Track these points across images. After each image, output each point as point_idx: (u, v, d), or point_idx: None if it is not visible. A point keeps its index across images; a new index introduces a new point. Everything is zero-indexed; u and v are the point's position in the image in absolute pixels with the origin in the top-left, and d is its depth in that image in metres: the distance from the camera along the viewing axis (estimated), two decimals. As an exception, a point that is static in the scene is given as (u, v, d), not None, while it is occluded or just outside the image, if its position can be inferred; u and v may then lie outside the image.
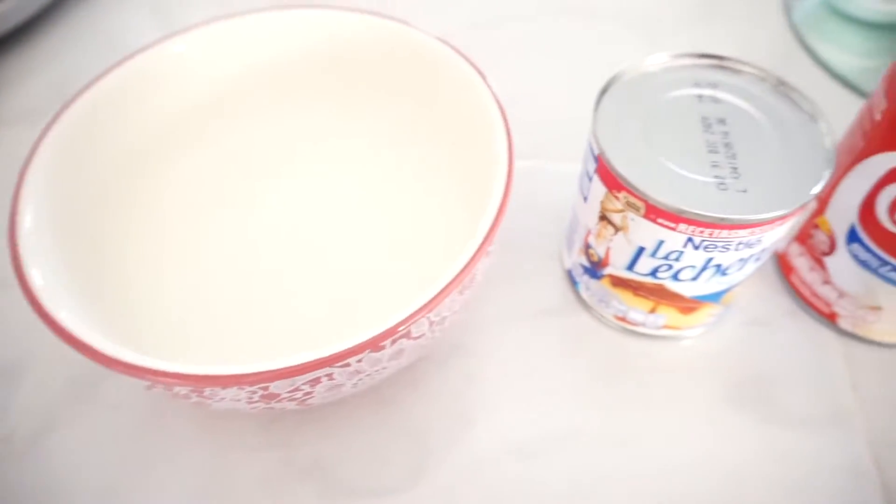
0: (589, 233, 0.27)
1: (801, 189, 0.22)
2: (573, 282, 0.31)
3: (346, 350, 0.19)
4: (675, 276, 0.25)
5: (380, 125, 0.32)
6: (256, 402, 0.21)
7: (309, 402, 0.22)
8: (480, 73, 0.27)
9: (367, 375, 0.22)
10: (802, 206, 0.22)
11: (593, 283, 0.28)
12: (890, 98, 0.23)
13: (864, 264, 0.26)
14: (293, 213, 0.32)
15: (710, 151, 0.23)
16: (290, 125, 0.32)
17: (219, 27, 0.29)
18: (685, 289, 0.26)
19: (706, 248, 0.23)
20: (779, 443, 0.27)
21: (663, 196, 0.22)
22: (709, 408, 0.28)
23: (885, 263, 0.26)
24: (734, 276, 0.25)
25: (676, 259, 0.24)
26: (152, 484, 0.26)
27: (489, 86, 0.26)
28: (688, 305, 0.27)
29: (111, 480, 0.26)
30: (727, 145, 0.24)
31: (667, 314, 0.27)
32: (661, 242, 0.24)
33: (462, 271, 0.21)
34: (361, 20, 0.29)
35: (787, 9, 0.44)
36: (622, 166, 0.23)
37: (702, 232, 0.22)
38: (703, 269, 0.24)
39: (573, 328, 0.30)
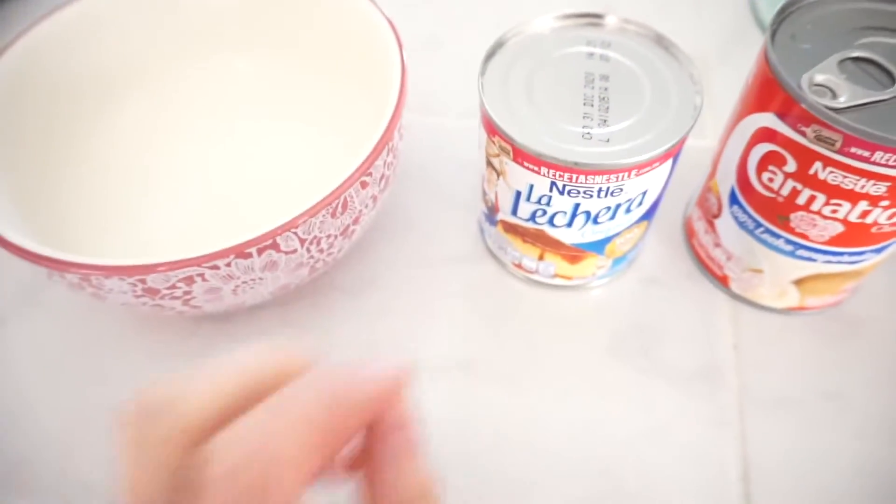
0: (483, 179, 0.28)
1: (659, 143, 0.24)
2: (480, 230, 0.32)
3: (211, 254, 0.22)
4: (550, 222, 0.26)
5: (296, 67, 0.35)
6: (141, 295, 0.23)
7: (193, 302, 0.24)
8: (390, 23, 0.29)
9: (246, 283, 0.24)
10: (655, 159, 0.23)
11: (492, 230, 0.30)
12: (759, 60, 0.24)
13: (743, 226, 0.27)
14: (215, 141, 0.35)
15: (585, 104, 0.25)
16: (215, 71, 0.36)
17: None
18: (563, 235, 0.27)
19: (570, 192, 0.25)
20: (650, 392, 0.28)
21: (527, 140, 0.24)
22: (591, 356, 0.29)
23: (759, 225, 0.26)
24: (607, 226, 0.26)
25: (547, 204, 0.25)
26: (87, 377, 0.29)
27: (394, 32, 0.29)
28: (571, 254, 0.28)
29: (52, 373, 0.30)
30: (603, 99, 0.25)
31: (555, 263, 0.29)
32: (531, 186, 0.25)
33: (327, 198, 0.23)
34: None
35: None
36: (496, 113, 0.25)
37: (562, 176, 0.24)
38: (574, 215, 0.26)
39: (479, 274, 0.32)
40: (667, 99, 0.25)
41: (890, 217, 0.24)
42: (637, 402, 0.28)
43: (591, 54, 0.26)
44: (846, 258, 0.26)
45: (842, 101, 0.22)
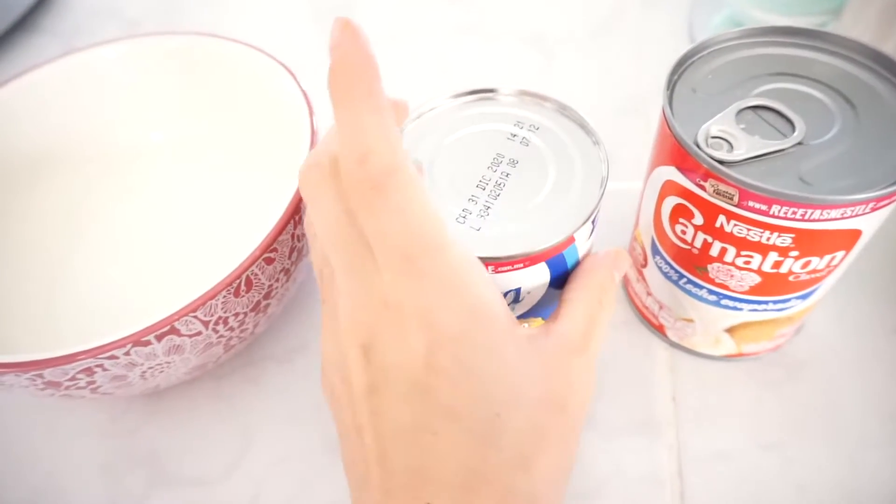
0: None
1: (526, 245, 0.22)
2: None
3: (106, 345, 0.21)
4: None
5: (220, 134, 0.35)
6: (44, 388, 0.23)
7: (101, 390, 0.24)
8: (304, 94, 0.29)
9: (152, 368, 0.23)
10: (517, 259, 0.22)
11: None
12: (664, 114, 0.24)
13: (667, 276, 0.27)
14: (136, 215, 0.35)
15: (478, 187, 0.23)
16: (131, 147, 0.35)
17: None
18: None
19: None
20: (588, 449, 0.27)
21: None
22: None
23: (682, 276, 0.26)
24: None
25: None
26: (7, 463, 0.29)
27: (307, 100, 0.28)
28: None
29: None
30: (498, 185, 0.24)
31: None
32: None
33: (226, 279, 0.22)
34: (199, 41, 0.32)
35: (691, 26, 0.44)
36: None
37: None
38: None
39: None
40: (566, 194, 0.23)
41: (804, 266, 0.23)
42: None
43: (514, 136, 0.25)
44: (772, 306, 0.25)
45: (739, 154, 0.21)
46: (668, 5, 0.45)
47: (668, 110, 0.23)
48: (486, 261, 0.22)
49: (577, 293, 0.22)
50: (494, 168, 0.24)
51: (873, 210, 0.20)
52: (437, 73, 0.43)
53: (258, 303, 0.25)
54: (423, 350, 0.17)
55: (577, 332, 0.20)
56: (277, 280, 0.25)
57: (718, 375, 0.29)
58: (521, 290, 0.23)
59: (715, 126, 0.22)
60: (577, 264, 0.24)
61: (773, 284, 0.24)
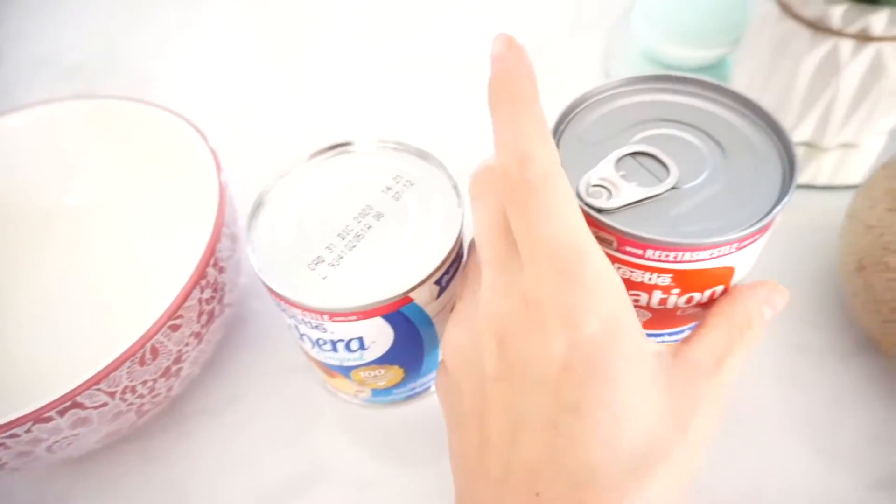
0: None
1: (368, 297, 0.22)
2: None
3: (1, 424, 0.21)
4: (300, 336, 0.26)
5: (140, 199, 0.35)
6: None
7: (8, 466, 0.23)
8: (213, 152, 0.29)
9: (59, 442, 0.23)
10: (351, 312, 0.22)
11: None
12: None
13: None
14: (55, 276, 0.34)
15: (339, 236, 0.24)
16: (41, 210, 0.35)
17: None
18: (307, 348, 0.26)
19: (289, 316, 0.24)
20: None
21: (264, 266, 0.24)
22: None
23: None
24: (333, 356, 0.25)
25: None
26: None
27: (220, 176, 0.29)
28: (324, 369, 0.27)
29: None
30: (358, 236, 0.24)
31: (322, 375, 0.29)
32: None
33: (129, 350, 0.22)
34: (111, 105, 0.32)
35: (607, 58, 0.45)
36: (255, 232, 0.25)
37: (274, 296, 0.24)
38: (300, 334, 0.25)
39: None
40: (416, 253, 0.24)
41: (688, 301, 0.24)
42: None
43: (389, 188, 0.26)
44: (668, 338, 0.26)
45: (617, 201, 0.22)
46: (591, 36, 0.47)
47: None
48: (322, 311, 0.22)
49: (717, 319, 0.21)
50: (360, 219, 0.25)
51: (738, 249, 0.21)
52: (370, 109, 0.44)
53: (167, 368, 0.25)
54: (562, 348, 0.17)
55: (708, 357, 0.20)
56: (187, 344, 0.25)
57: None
58: (365, 339, 0.24)
59: (595, 175, 0.23)
60: (428, 321, 0.25)
61: (664, 319, 0.25)
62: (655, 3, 0.42)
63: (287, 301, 0.23)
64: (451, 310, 0.26)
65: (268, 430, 0.30)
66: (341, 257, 0.24)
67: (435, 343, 0.27)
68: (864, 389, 0.28)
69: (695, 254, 0.21)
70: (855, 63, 0.33)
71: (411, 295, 0.23)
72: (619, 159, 0.23)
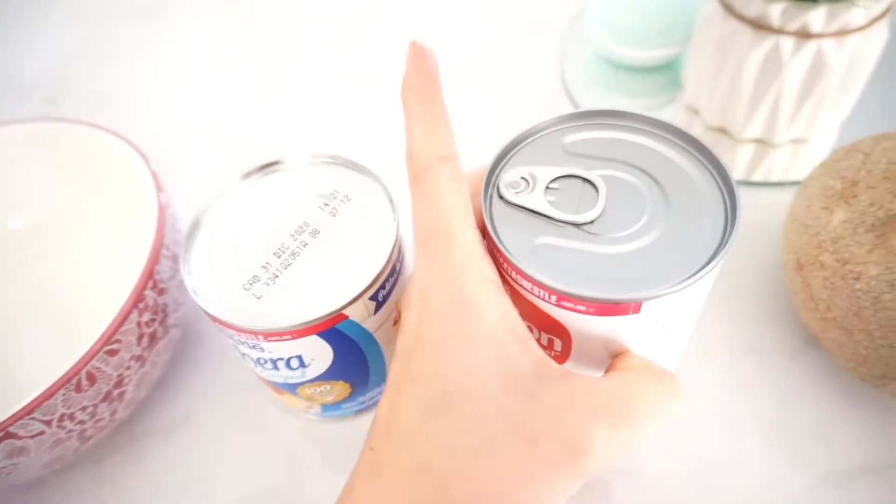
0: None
1: (296, 318, 0.22)
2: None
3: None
4: (242, 356, 0.26)
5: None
6: None
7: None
8: (154, 175, 0.29)
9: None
10: (276, 332, 0.22)
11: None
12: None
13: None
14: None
15: (275, 254, 0.24)
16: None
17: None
18: (253, 366, 0.26)
19: (227, 336, 0.24)
20: None
21: (198, 288, 0.24)
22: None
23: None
24: (276, 374, 0.25)
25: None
26: None
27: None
28: (274, 388, 0.27)
29: None
30: (293, 254, 0.24)
31: (271, 392, 0.29)
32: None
33: (62, 378, 0.22)
34: (54, 127, 0.32)
35: (561, 60, 0.45)
36: (191, 254, 0.25)
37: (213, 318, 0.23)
38: (243, 353, 0.25)
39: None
40: (350, 270, 0.24)
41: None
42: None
43: (327, 205, 0.26)
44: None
45: (522, 200, 0.22)
46: (545, 39, 0.46)
47: (485, 211, 0.22)
48: (256, 331, 0.22)
49: (636, 362, 0.20)
50: (296, 237, 0.24)
51: (633, 312, 0.20)
52: (320, 125, 0.44)
53: (108, 393, 0.25)
54: (415, 322, 0.19)
55: (608, 389, 0.19)
56: (129, 368, 0.25)
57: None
58: (304, 357, 0.24)
59: (530, 170, 0.23)
60: (369, 337, 0.25)
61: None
62: (607, 5, 0.42)
63: (221, 322, 0.23)
64: (396, 323, 0.26)
65: (221, 449, 0.30)
66: (276, 276, 0.24)
67: (380, 357, 0.27)
68: (812, 387, 0.29)
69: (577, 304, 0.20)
70: (796, 60, 0.33)
71: (345, 312, 0.23)
72: (564, 177, 0.23)
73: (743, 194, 0.37)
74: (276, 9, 0.53)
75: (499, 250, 0.21)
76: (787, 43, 0.32)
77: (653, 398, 0.19)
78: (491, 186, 0.23)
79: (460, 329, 0.18)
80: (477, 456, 0.17)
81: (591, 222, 0.22)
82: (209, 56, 0.50)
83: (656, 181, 0.23)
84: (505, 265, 0.22)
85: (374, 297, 0.24)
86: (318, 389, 0.26)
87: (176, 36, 0.52)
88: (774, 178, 0.38)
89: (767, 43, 0.33)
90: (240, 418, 0.31)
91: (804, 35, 0.32)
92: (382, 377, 0.28)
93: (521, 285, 0.21)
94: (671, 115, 0.41)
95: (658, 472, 0.27)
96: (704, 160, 0.23)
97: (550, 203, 0.22)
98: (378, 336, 0.26)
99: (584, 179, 0.23)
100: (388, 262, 0.24)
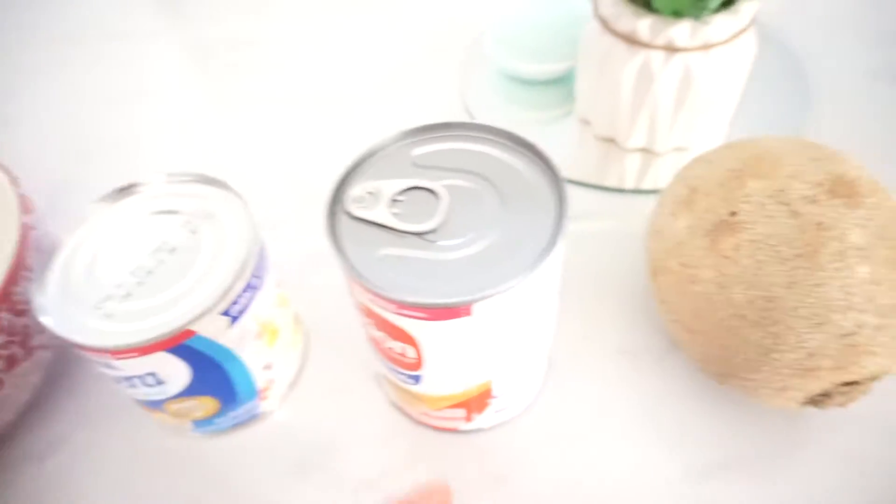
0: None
1: (140, 335, 0.22)
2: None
3: None
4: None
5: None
6: None
7: None
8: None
9: None
10: (118, 349, 0.22)
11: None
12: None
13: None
14: None
15: (131, 273, 0.24)
16: None
17: None
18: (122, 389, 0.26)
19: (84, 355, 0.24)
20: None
21: (48, 307, 0.24)
22: (276, 482, 0.29)
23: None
24: (135, 391, 0.25)
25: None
26: None
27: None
28: (143, 405, 0.27)
29: None
30: (149, 272, 0.24)
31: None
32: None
33: None
34: None
35: (464, 76, 0.46)
36: (48, 275, 0.25)
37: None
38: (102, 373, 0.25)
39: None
40: (202, 284, 0.24)
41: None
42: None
43: (188, 223, 0.26)
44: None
45: (367, 214, 0.23)
46: (448, 58, 0.47)
47: (328, 228, 0.23)
48: (101, 349, 0.22)
49: None
50: (153, 255, 0.25)
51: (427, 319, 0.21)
52: (233, 144, 0.44)
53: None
54: None
55: None
56: (-20, 391, 0.25)
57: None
58: (158, 374, 0.24)
59: (377, 185, 0.23)
60: (228, 352, 0.25)
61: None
62: (504, 24, 0.43)
63: (70, 341, 0.23)
64: (260, 335, 0.26)
65: (97, 472, 0.29)
66: (129, 294, 0.24)
67: (244, 372, 0.27)
68: (677, 387, 0.29)
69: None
70: (666, 72, 0.34)
71: (193, 328, 0.23)
72: (409, 189, 0.23)
73: (634, 202, 0.39)
74: (179, 38, 0.54)
75: (343, 265, 0.21)
76: (657, 57, 0.34)
77: None
78: (336, 203, 0.23)
79: None
80: None
81: (432, 231, 0.22)
82: (123, 82, 0.50)
83: (496, 187, 0.23)
84: (349, 280, 0.22)
85: (226, 313, 0.24)
86: (184, 405, 0.26)
87: (91, 62, 0.52)
88: (662, 185, 0.39)
89: (639, 57, 0.34)
90: (118, 439, 0.30)
91: (671, 49, 0.33)
92: (252, 392, 0.28)
93: (367, 297, 0.22)
94: (568, 126, 0.42)
95: (531, 474, 0.28)
96: (543, 164, 0.24)
97: (395, 215, 0.23)
98: (239, 352, 0.26)
99: (428, 190, 0.24)
100: (238, 277, 0.24)
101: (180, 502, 0.28)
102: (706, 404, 0.29)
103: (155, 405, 0.26)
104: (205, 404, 0.27)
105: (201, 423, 0.28)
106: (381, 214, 0.23)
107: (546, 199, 0.23)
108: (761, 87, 0.40)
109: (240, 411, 0.28)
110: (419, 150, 0.25)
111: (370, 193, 0.23)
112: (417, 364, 0.24)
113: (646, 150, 0.39)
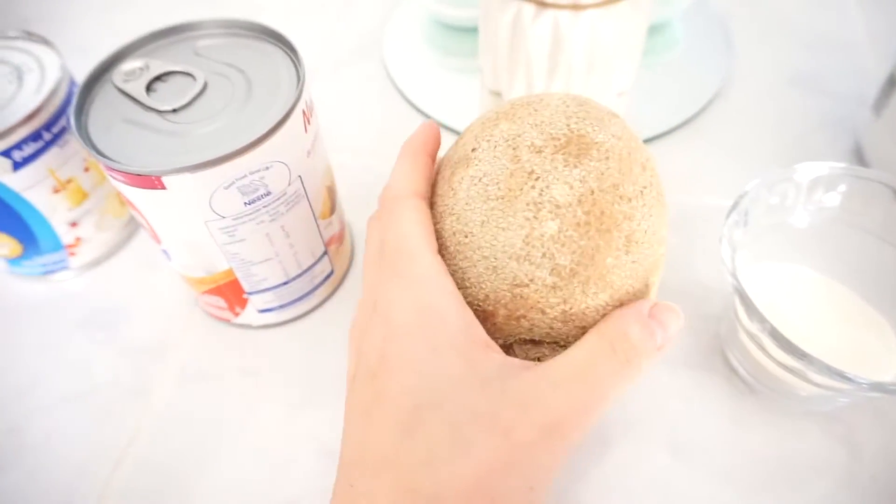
0: None
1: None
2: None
3: None
4: None
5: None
6: None
7: None
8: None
9: None
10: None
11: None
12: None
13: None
14: None
15: None
16: None
17: None
18: None
19: None
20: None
21: None
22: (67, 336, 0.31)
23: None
24: None
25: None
26: None
27: None
28: None
29: None
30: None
31: None
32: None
33: None
34: None
35: (392, 13, 0.46)
36: None
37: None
38: None
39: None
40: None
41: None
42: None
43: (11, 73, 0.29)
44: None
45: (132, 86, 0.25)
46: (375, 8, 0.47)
47: (81, 92, 0.24)
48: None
49: (588, 335, 0.20)
50: None
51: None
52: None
53: None
54: (380, 341, 0.19)
55: (563, 368, 0.19)
56: None
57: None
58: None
59: (140, 64, 0.25)
60: (16, 196, 0.27)
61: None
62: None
63: None
64: (58, 190, 0.29)
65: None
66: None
67: (42, 222, 0.29)
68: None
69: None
70: (537, 27, 0.33)
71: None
72: (176, 73, 0.25)
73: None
74: None
75: (74, 128, 0.23)
76: (528, 10, 0.33)
77: (605, 369, 0.19)
78: (104, 71, 0.25)
79: (425, 339, 0.19)
80: (457, 460, 0.17)
81: (173, 111, 0.24)
82: None
83: (249, 78, 0.25)
84: (82, 142, 0.24)
85: (6, 154, 0.26)
86: None
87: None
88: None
89: (512, 8, 0.34)
90: None
91: (541, 3, 0.33)
92: (55, 243, 0.31)
93: (90, 159, 0.23)
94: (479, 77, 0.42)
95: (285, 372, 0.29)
96: (293, 56, 0.26)
97: (152, 92, 0.25)
98: (32, 199, 0.28)
99: (190, 75, 0.25)
100: (22, 125, 0.26)
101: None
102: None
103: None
104: (7, 242, 0.30)
105: (13, 262, 0.31)
106: (136, 89, 0.24)
107: (289, 91, 0.24)
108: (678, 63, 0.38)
109: (46, 259, 0.31)
110: (205, 42, 0.26)
111: (140, 69, 0.25)
112: (156, 237, 0.26)
113: (528, 110, 0.38)
